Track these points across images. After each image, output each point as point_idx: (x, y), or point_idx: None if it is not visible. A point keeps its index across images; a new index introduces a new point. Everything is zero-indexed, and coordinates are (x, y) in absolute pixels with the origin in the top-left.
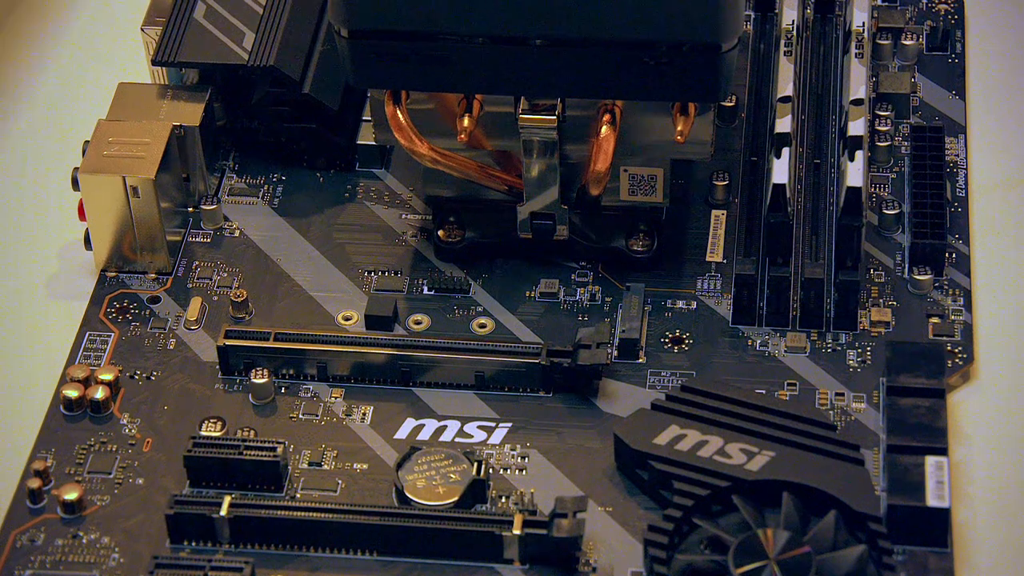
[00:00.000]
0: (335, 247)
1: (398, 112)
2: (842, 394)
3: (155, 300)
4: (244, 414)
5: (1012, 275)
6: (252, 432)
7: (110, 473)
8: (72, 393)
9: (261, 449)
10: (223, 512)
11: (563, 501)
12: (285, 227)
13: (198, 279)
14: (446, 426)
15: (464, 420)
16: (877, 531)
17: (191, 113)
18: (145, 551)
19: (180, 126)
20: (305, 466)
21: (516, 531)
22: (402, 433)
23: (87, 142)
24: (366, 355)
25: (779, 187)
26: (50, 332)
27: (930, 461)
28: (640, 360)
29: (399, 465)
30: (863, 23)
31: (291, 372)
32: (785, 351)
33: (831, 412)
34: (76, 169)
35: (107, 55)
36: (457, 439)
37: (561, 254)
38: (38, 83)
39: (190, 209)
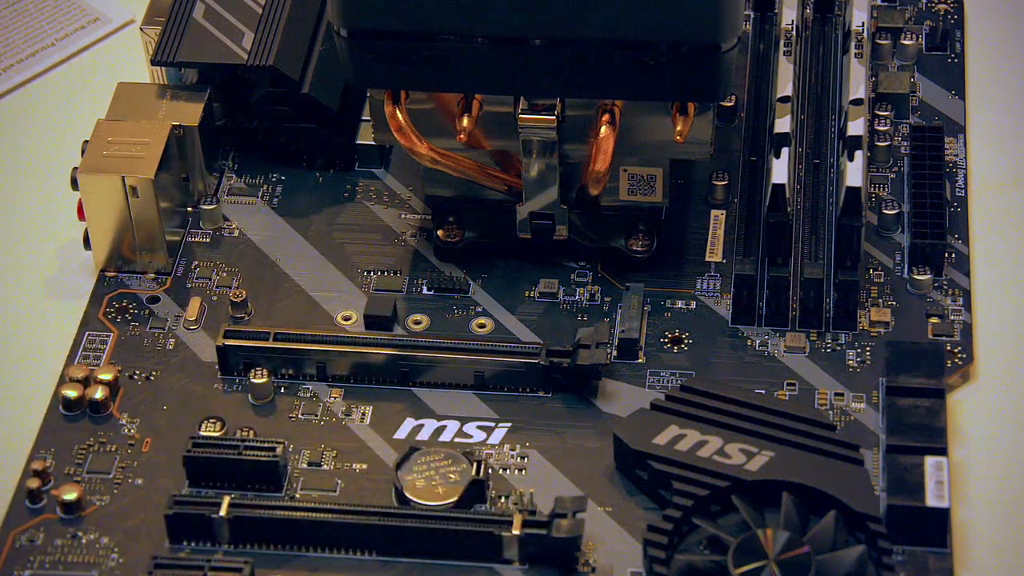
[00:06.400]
0: (334, 247)
1: (397, 112)
2: (841, 394)
3: (154, 300)
4: (243, 414)
5: (1012, 275)
6: (251, 432)
7: (109, 473)
8: (71, 393)
9: (260, 449)
10: (222, 512)
11: (562, 501)
12: (284, 227)
13: (197, 279)
14: (445, 426)
15: (463, 420)
16: (877, 531)
17: (190, 113)
18: (144, 551)
19: (179, 126)
20: (304, 466)
21: (515, 531)
22: (401, 433)
23: (86, 142)
24: (365, 355)
25: (779, 187)
26: (49, 332)
27: (929, 461)
28: (639, 360)
29: (398, 465)
30: (862, 23)
31: (290, 372)
32: (784, 351)
33: (830, 412)
34: (75, 169)
35: (107, 55)
36: (456, 439)
37: (560, 254)
38: (38, 83)
39: (189, 209)
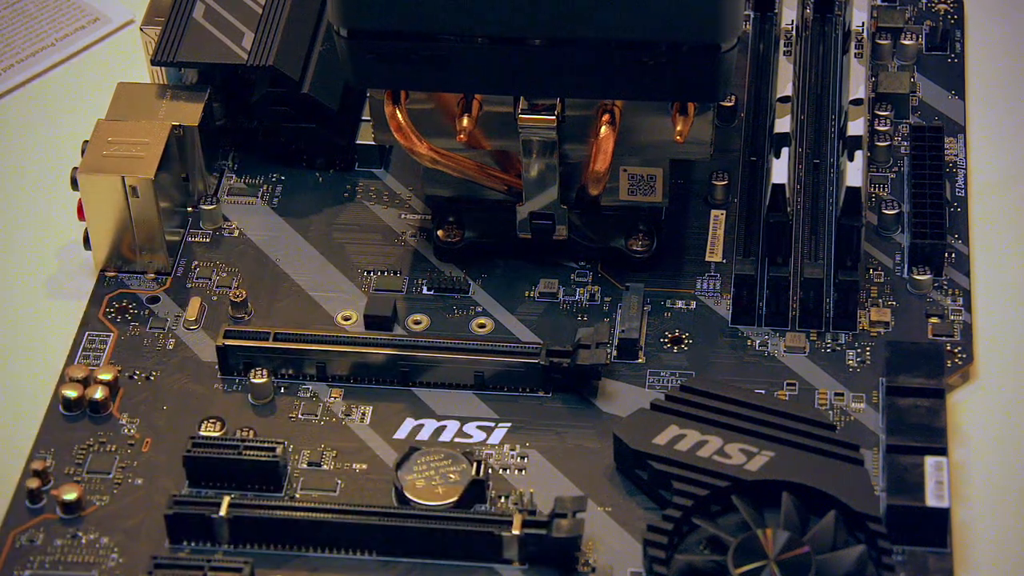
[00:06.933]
0: (334, 247)
1: (397, 112)
2: (841, 394)
3: (154, 300)
4: (243, 414)
5: (1012, 275)
6: (251, 432)
7: (109, 473)
8: (71, 393)
9: (260, 449)
10: (222, 512)
11: (562, 501)
12: (284, 227)
13: (197, 279)
14: (445, 426)
15: (463, 420)
16: (877, 531)
17: (190, 113)
18: (144, 551)
19: (179, 126)
20: (304, 466)
21: (515, 531)
22: (401, 433)
23: (86, 142)
24: (365, 355)
25: (778, 187)
26: (49, 332)
27: (929, 461)
28: (639, 360)
29: (398, 465)
30: (862, 23)
31: (290, 372)
32: (784, 351)
33: (830, 412)
34: (75, 169)
35: (107, 55)
36: (456, 439)
37: (560, 254)
38: (38, 83)
39: (189, 209)
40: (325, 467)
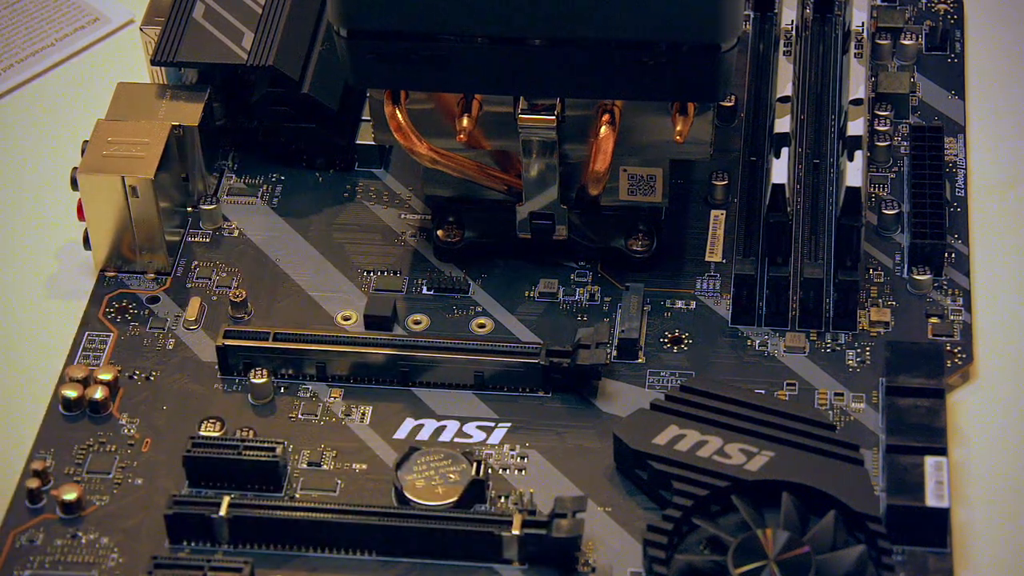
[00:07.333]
0: (334, 247)
1: (397, 112)
2: (841, 394)
3: (154, 300)
4: (243, 414)
5: (1011, 275)
6: (251, 432)
7: (109, 473)
8: (71, 393)
9: (260, 449)
10: (222, 512)
11: (562, 501)
12: (284, 227)
13: (197, 279)
14: (445, 426)
15: (463, 420)
16: (876, 531)
17: (190, 113)
18: (144, 551)
19: (179, 126)
20: (304, 466)
21: (515, 531)
22: (401, 433)
23: (86, 142)
24: (365, 355)
25: (778, 187)
26: (49, 332)
27: (929, 461)
28: (639, 360)
29: (398, 465)
30: (862, 23)
31: (290, 372)
32: (784, 351)
33: (830, 412)
34: (75, 169)
35: (107, 55)
36: (456, 439)
37: (560, 254)
38: (38, 83)
39: (189, 209)
40: (325, 467)
